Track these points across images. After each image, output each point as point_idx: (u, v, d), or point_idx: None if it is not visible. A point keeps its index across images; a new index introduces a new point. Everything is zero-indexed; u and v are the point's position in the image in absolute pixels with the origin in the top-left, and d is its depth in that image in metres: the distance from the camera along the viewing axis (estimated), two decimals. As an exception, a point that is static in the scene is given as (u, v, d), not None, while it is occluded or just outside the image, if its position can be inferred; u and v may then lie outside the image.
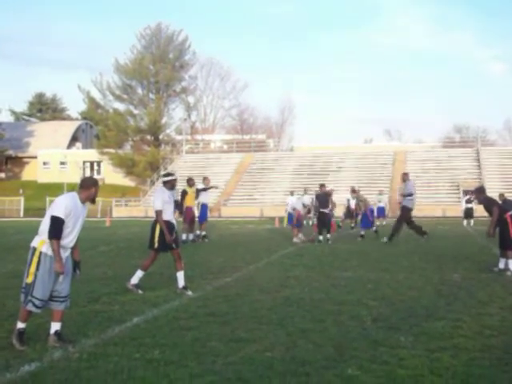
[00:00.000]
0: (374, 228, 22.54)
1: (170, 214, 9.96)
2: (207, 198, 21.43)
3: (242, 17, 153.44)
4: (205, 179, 21.27)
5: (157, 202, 9.89)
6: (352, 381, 5.14)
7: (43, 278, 6.32)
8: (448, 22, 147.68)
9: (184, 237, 19.35)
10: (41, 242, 6.41)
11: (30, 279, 6.33)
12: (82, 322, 7.55)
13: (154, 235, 9.92)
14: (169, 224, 9.88)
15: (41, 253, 6.38)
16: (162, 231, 9.80)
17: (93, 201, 6.70)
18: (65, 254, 6.50)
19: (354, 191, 23.47)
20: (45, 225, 6.43)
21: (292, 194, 35.63)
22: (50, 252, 6.36)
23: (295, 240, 19.88)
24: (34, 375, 5.34)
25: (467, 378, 5.18)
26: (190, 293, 9.60)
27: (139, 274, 9.96)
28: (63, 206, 6.40)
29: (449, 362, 5.67)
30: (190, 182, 20.11)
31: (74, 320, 7.59)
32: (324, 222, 19.51)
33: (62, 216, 6.34)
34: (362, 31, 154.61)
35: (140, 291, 9.70)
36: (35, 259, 6.37)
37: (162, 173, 11.16)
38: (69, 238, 6.50)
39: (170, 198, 10.09)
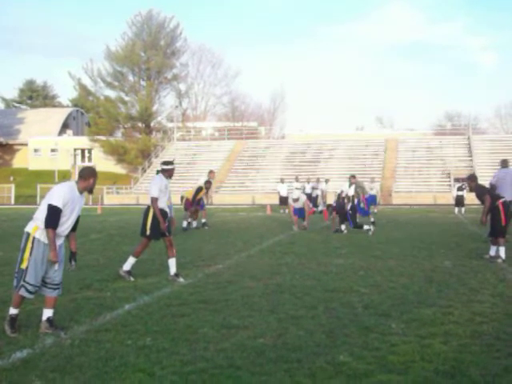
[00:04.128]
0: (372, 219, 22.28)
1: (163, 202, 9.93)
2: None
3: (234, 4, 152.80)
4: (210, 172, 21.48)
5: (154, 189, 9.83)
6: (343, 367, 5.15)
7: (36, 264, 6.32)
8: (439, 12, 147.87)
9: (185, 224, 20.16)
10: (34, 227, 6.40)
11: (24, 265, 6.32)
12: (74, 308, 7.55)
13: (146, 222, 9.91)
14: (162, 212, 9.86)
15: (34, 238, 6.37)
16: (154, 218, 9.78)
17: (90, 191, 6.70)
18: (58, 241, 6.49)
19: (353, 177, 23.12)
20: (41, 212, 6.41)
21: (282, 181, 35.73)
22: (42, 238, 6.35)
23: (295, 228, 19.85)
24: (25, 362, 5.33)
25: (458, 364, 5.20)
26: (181, 280, 9.60)
27: (131, 260, 9.95)
28: (61, 195, 6.39)
29: (439, 349, 5.70)
30: (208, 184, 20.60)
31: (66, 307, 7.58)
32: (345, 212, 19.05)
33: (60, 205, 6.33)
34: (353, 21, 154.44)
35: (132, 278, 9.70)
36: (29, 245, 6.36)
37: (162, 160, 11.18)
38: (64, 227, 6.50)
39: (167, 187, 10.04)
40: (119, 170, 73.51)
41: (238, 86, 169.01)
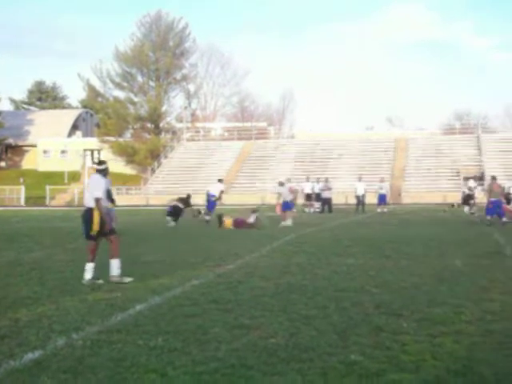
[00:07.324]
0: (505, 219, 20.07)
1: (105, 201, 9.81)
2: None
3: (242, 4, 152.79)
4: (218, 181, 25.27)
5: (99, 189, 9.68)
6: (355, 366, 5.15)
7: None
8: (449, 11, 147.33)
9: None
10: None
11: None
12: (85, 309, 7.57)
13: (92, 224, 9.67)
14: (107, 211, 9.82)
15: None
16: (101, 218, 9.62)
17: None
18: None
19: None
20: None
21: (289, 181, 35.77)
22: None
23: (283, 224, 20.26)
24: (37, 363, 5.34)
25: (469, 363, 5.19)
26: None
27: (89, 266, 9.62)
28: None
29: (451, 347, 5.69)
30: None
31: (77, 307, 7.61)
32: None
33: None
34: (363, 20, 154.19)
35: (127, 279, 9.62)
36: None
37: (95, 161, 11.18)
38: None
39: (106, 185, 9.90)
40: (129, 170, 73.58)
41: (247, 86, 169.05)
